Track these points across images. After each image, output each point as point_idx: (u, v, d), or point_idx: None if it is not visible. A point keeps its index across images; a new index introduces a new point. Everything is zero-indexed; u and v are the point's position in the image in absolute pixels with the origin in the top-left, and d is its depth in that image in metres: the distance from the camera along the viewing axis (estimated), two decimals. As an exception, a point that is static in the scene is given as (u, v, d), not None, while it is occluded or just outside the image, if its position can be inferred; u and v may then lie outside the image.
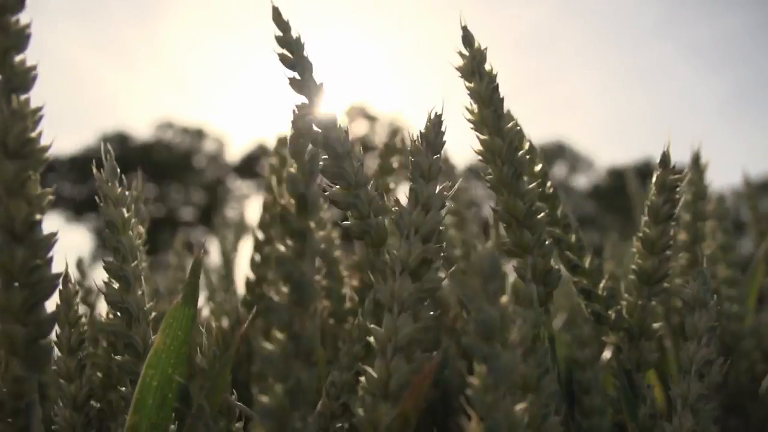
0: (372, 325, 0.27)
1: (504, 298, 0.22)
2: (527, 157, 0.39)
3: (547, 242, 0.37)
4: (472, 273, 0.22)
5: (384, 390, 0.26)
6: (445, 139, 0.32)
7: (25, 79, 0.28)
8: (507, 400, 0.23)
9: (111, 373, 0.41)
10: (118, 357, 0.35)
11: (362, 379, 0.27)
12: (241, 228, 1.00)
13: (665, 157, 0.38)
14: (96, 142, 18.00)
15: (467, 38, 0.36)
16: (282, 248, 0.22)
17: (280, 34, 0.34)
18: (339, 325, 0.55)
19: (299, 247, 0.22)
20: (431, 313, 0.28)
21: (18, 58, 0.28)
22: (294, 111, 0.28)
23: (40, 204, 0.28)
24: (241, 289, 0.73)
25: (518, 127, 0.39)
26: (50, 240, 0.28)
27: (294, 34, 0.34)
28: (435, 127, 0.31)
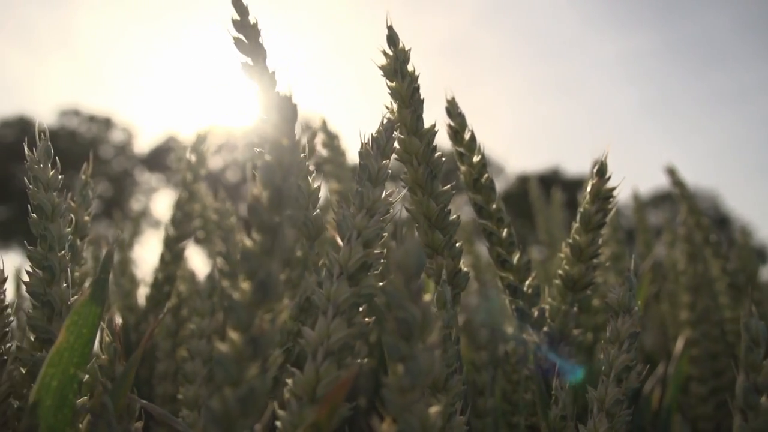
0: (304, 327, 0.26)
1: (427, 297, 0.22)
2: (467, 147, 0.40)
3: (457, 244, 0.37)
4: (396, 270, 0.21)
5: (311, 394, 0.25)
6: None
7: None
8: (421, 402, 0.22)
9: (35, 370, 0.37)
10: (38, 353, 0.33)
11: (289, 381, 0.26)
12: (143, 221, 0.98)
13: (602, 167, 0.38)
14: (-6, 127, 17.07)
15: (392, 38, 0.36)
16: (248, 243, 0.21)
17: (237, 18, 0.33)
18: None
19: (268, 243, 0.21)
20: (366, 319, 0.27)
21: None
22: (276, 95, 0.26)
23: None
24: (144, 285, 0.70)
25: (436, 130, 0.39)
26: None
27: (251, 19, 0.33)
28: (387, 132, 0.31)
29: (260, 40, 0.34)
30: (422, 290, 0.21)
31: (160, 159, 16.99)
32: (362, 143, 0.30)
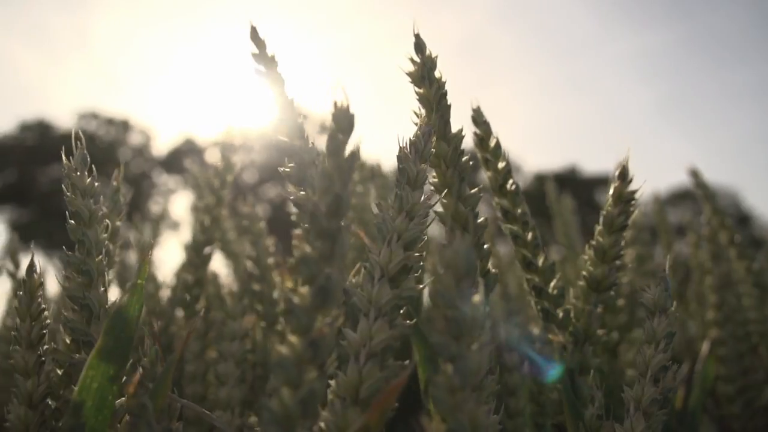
0: (345, 329, 0.26)
1: (477, 297, 0.22)
2: (492, 154, 0.40)
3: (485, 246, 0.38)
4: (446, 269, 0.21)
5: (354, 395, 0.25)
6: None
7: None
8: (472, 401, 0.22)
9: (72, 371, 0.38)
10: (77, 355, 0.34)
11: (332, 382, 0.26)
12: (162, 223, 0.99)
13: (624, 170, 0.39)
14: (14, 130, 17.27)
15: (419, 45, 0.36)
16: (308, 248, 0.21)
17: (257, 51, 0.34)
18: (270, 328, 0.56)
19: (327, 249, 0.21)
20: (408, 321, 0.27)
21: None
22: (334, 106, 0.26)
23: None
24: (166, 287, 0.71)
25: (463, 135, 0.39)
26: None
27: (269, 52, 0.35)
28: (425, 136, 0.31)
29: (278, 70, 0.35)
30: (472, 290, 0.22)
31: (177, 161, 17.10)
32: (400, 147, 0.31)
